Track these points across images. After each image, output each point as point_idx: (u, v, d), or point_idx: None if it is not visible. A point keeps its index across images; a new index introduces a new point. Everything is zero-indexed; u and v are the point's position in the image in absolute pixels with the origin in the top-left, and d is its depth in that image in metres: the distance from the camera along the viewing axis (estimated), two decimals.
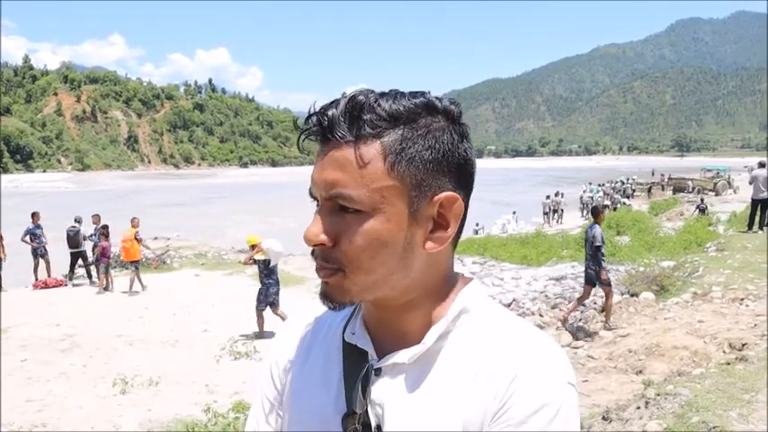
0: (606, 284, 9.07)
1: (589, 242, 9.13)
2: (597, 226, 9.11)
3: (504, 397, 0.82)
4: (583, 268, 13.41)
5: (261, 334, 9.87)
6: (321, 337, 0.99)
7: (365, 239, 0.81)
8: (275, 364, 1.03)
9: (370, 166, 0.80)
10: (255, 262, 10.08)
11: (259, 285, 10.11)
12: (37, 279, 15.40)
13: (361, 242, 0.81)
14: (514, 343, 0.86)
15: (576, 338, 8.96)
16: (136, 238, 14.59)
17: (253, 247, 10.14)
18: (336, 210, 0.82)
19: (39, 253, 15.65)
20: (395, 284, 0.85)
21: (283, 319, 9.85)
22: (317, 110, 0.84)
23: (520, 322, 0.91)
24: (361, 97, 0.81)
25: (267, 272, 9.91)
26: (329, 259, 0.83)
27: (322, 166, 0.83)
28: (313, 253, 0.85)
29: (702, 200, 29.72)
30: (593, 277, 9.12)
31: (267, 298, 9.93)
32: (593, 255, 9.05)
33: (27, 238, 15.58)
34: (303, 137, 0.86)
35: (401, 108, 0.82)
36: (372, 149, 0.81)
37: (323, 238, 0.82)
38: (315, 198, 0.86)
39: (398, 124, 0.81)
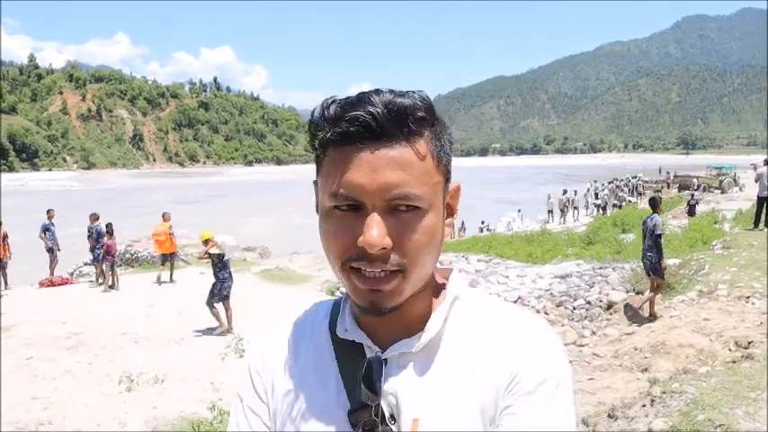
0: (660, 275, 9.14)
1: (649, 231, 9.19)
2: (656, 215, 9.25)
3: (512, 372, 0.87)
4: (588, 266, 13.47)
5: (229, 328, 10.07)
6: (307, 338, 0.99)
7: (426, 236, 0.83)
8: (257, 374, 1.00)
9: (426, 163, 0.83)
10: (210, 256, 10.23)
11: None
12: (52, 274, 15.74)
13: (423, 239, 0.83)
14: (512, 323, 0.92)
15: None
16: (170, 232, 15.17)
17: (206, 242, 10.31)
18: (390, 210, 0.81)
19: (50, 250, 15.84)
20: (429, 275, 0.90)
21: (229, 316, 10.21)
22: (341, 111, 0.82)
23: (505, 304, 0.97)
24: (399, 99, 0.82)
25: (221, 265, 10.10)
26: (388, 262, 0.82)
27: (373, 168, 0.80)
28: (360, 259, 0.82)
29: (693, 195, 30.00)
30: (653, 266, 9.16)
31: (222, 291, 10.08)
32: (654, 244, 9.10)
33: (44, 234, 15.76)
34: (338, 137, 0.82)
35: (425, 105, 0.84)
36: (423, 148, 0.83)
37: (387, 241, 0.81)
38: (354, 202, 0.82)
39: (429, 122, 0.84)
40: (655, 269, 9.17)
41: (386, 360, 0.90)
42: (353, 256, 0.82)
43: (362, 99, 0.82)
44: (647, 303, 9.25)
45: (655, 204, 9.63)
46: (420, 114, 0.82)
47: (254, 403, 0.99)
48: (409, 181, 0.80)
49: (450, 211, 0.91)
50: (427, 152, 0.83)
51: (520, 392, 0.86)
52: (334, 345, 0.95)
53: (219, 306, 10.20)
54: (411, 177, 0.80)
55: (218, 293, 10.07)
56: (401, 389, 0.88)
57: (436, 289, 0.95)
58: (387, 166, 0.80)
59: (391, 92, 0.83)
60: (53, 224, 16.09)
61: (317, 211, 0.91)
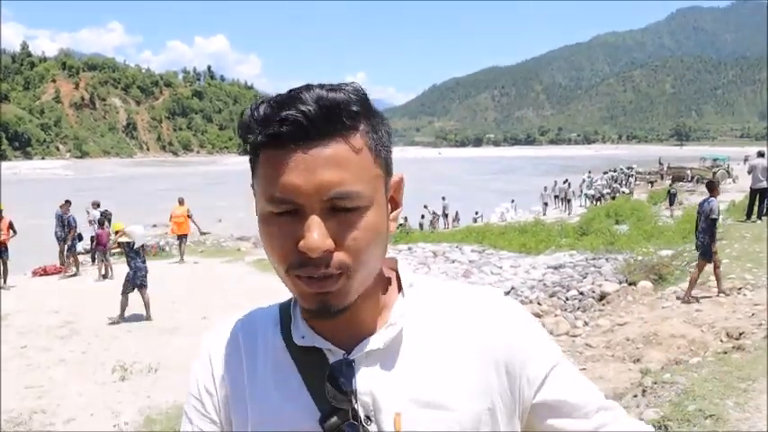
0: (707, 258, 9.04)
1: (705, 215, 9.12)
2: (714, 199, 9.18)
3: (510, 347, 0.89)
4: (581, 257, 13.52)
5: (122, 316, 10.21)
6: (260, 348, 0.94)
7: (368, 234, 0.79)
8: (207, 394, 0.95)
9: (362, 158, 0.79)
10: (120, 245, 10.66)
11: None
12: (63, 263, 15.87)
13: (366, 237, 0.79)
14: (470, 300, 0.92)
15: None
16: (188, 215, 16.90)
17: (117, 232, 10.67)
18: (329, 211, 0.78)
19: (62, 238, 15.88)
20: (376, 272, 0.86)
21: (147, 304, 10.34)
22: (266, 112, 0.78)
23: (459, 284, 0.97)
24: (328, 93, 0.78)
25: (133, 254, 10.30)
26: (331, 264, 0.78)
27: (308, 169, 0.77)
28: (302, 266, 0.79)
29: (671, 185, 30.54)
30: (704, 248, 9.07)
31: (135, 280, 10.23)
32: (708, 227, 9.04)
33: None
34: (271, 139, 0.78)
35: (359, 98, 0.80)
36: (358, 142, 0.79)
37: (329, 243, 0.77)
38: (292, 205, 0.78)
39: (364, 115, 0.81)
40: (705, 252, 9.03)
41: (352, 361, 0.87)
42: (295, 263, 0.79)
43: (293, 97, 0.78)
44: (717, 277, 9.10)
45: (712, 188, 9.50)
46: (354, 108, 0.78)
47: (206, 425, 0.94)
48: (347, 179, 0.77)
49: (394, 204, 0.88)
50: (363, 146, 0.79)
51: (538, 360, 0.89)
52: (291, 354, 0.91)
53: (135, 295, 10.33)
54: (349, 174, 0.77)
55: (132, 281, 10.22)
56: (376, 387, 0.85)
57: (385, 281, 0.92)
58: (322, 166, 0.76)
59: (322, 87, 0.79)
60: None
61: (257, 214, 0.89)
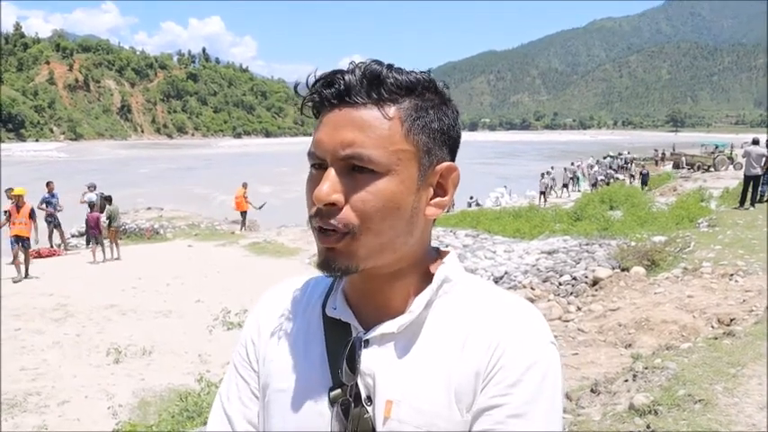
0: None
1: None
2: None
3: (492, 359, 0.85)
4: (575, 242, 13.55)
5: None
6: (300, 312, 0.99)
7: (379, 200, 0.83)
8: (251, 343, 1.01)
9: (389, 128, 0.83)
10: None
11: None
12: (52, 246, 15.96)
13: (375, 202, 0.82)
14: (498, 308, 0.90)
15: None
16: (245, 196, 19.86)
17: None
18: (348, 170, 0.83)
19: (51, 221, 15.78)
20: (397, 249, 0.87)
21: None
22: (322, 76, 0.86)
23: (498, 289, 0.95)
24: (376, 66, 0.84)
25: None
26: (337, 219, 0.83)
27: (335, 127, 0.83)
28: (316, 215, 0.84)
29: (644, 166, 32.37)
30: None
31: None
32: None
33: (42, 205, 15.60)
34: (315, 98, 0.86)
35: (413, 80, 0.86)
36: (391, 113, 0.84)
37: (336, 197, 0.82)
38: (319, 160, 0.85)
39: (411, 94, 0.86)
40: None
41: (367, 341, 0.89)
42: (312, 212, 0.85)
43: (347, 67, 0.86)
44: None
45: None
46: (391, 82, 0.84)
47: (246, 372, 1.00)
48: (364, 142, 0.82)
49: (441, 191, 0.89)
50: (395, 118, 0.84)
51: (503, 383, 0.84)
52: (324, 322, 0.95)
53: None
54: (367, 139, 0.82)
55: None
56: (378, 370, 0.87)
57: (426, 270, 0.93)
58: (346, 126, 0.83)
59: (377, 62, 0.85)
60: (54, 195, 16.04)
61: None
